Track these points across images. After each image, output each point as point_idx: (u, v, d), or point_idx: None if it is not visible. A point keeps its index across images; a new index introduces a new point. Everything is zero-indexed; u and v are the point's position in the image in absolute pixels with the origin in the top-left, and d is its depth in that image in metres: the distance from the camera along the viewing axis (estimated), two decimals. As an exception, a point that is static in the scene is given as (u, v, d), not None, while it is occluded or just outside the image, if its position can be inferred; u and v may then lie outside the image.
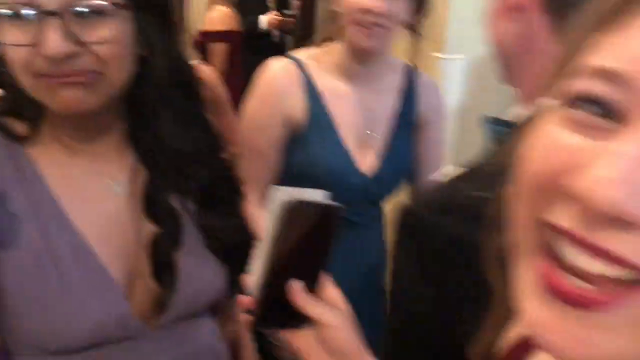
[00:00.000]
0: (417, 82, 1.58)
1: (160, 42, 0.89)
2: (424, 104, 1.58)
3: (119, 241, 0.91)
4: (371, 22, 1.38)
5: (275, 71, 1.48)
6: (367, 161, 1.49)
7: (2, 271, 0.85)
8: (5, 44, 0.79)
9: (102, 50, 0.81)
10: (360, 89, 1.50)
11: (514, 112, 0.83)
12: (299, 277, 0.70)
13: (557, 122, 0.40)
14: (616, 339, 0.37)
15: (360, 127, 1.50)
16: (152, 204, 0.93)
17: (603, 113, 0.38)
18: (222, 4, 3.71)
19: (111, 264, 0.89)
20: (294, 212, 0.66)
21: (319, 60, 1.51)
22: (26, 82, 0.82)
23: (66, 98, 0.82)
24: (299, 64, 1.49)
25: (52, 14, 0.77)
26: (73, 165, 0.92)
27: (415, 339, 0.82)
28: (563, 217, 0.38)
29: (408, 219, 0.80)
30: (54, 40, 0.77)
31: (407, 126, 1.56)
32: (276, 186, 0.68)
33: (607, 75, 0.38)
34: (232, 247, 0.96)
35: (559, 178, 0.38)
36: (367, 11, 1.37)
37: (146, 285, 0.92)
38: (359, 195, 1.48)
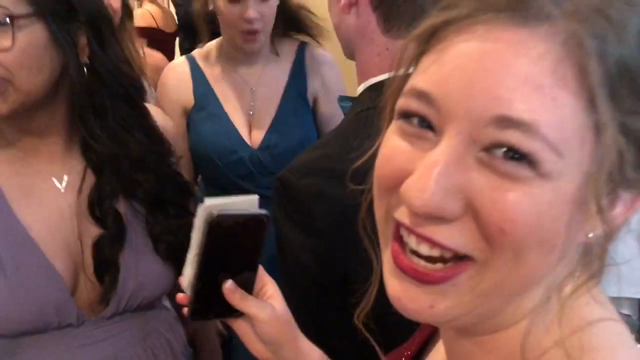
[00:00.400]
0: (306, 59, 1.72)
1: (75, 49, 0.93)
2: (314, 80, 1.72)
3: (63, 237, 0.97)
4: (253, 30, 1.56)
5: (168, 70, 1.70)
6: (256, 135, 1.64)
7: None
8: None
9: (4, 58, 0.87)
10: (247, 70, 1.67)
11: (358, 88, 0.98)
12: (231, 274, 0.75)
13: (396, 132, 0.48)
14: (451, 303, 0.47)
15: (247, 105, 1.65)
16: (97, 207, 0.98)
17: (426, 126, 0.46)
18: (152, 2, 3.76)
19: (55, 256, 0.96)
20: (217, 224, 0.71)
21: (210, 52, 1.69)
22: None
23: None
24: (190, 58, 1.68)
25: None
26: (21, 162, 0.98)
27: (304, 283, 0.94)
28: (402, 213, 0.47)
29: (278, 185, 0.95)
30: None
31: (297, 100, 1.69)
32: (206, 198, 0.72)
33: (420, 95, 0.46)
34: (179, 247, 0.98)
35: (395, 182, 0.47)
36: (249, 22, 1.54)
37: (90, 279, 0.98)
38: (254, 168, 1.62)
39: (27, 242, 0.94)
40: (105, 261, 0.97)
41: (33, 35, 0.89)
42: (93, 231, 0.98)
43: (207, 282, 0.74)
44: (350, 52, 0.99)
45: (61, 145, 1.00)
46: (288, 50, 1.71)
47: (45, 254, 0.95)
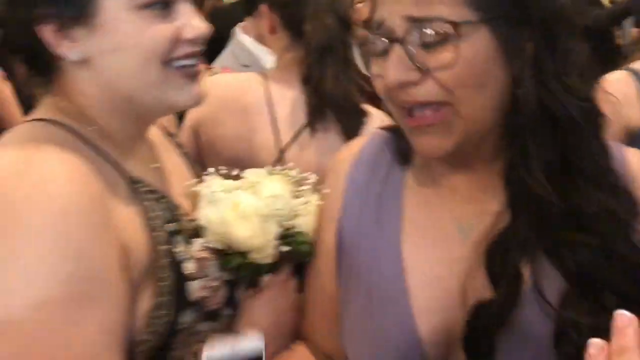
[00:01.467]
0: None
1: (525, 60, 0.74)
2: None
3: (442, 292, 0.80)
4: None
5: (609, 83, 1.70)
6: None
7: (341, 273, 0.90)
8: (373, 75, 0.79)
9: (444, 77, 0.73)
10: None
11: None
12: None
13: None
14: None
15: None
16: (499, 258, 0.76)
17: None
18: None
19: (422, 312, 0.81)
20: None
21: None
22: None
23: (422, 144, 0.78)
24: (633, 72, 1.61)
25: (395, 40, 0.73)
26: (432, 195, 0.86)
27: None
28: None
29: None
30: (391, 69, 0.74)
31: None
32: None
33: None
34: None
35: None
36: None
37: (458, 348, 0.78)
38: None
39: (399, 285, 0.82)
40: (480, 335, 0.75)
41: (477, 44, 0.72)
42: (481, 290, 0.76)
43: None
44: None
45: (486, 182, 0.82)
46: None
47: (411, 306, 0.81)
